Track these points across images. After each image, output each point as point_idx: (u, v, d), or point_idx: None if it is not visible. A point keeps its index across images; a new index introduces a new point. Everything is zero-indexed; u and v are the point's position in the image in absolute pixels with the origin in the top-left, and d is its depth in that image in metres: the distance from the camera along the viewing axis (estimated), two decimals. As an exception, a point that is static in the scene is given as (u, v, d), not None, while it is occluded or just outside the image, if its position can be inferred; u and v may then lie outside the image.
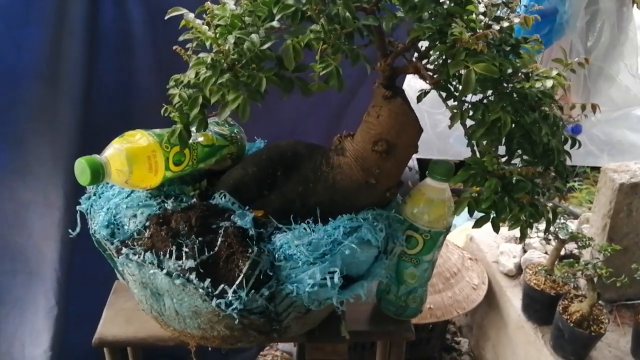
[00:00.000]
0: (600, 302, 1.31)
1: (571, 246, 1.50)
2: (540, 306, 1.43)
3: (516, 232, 0.70)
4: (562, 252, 1.48)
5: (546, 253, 1.64)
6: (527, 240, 1.68)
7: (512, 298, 1.58)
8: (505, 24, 0.61)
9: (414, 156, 2.08)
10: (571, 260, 1.30)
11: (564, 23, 1.16)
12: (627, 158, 1.42)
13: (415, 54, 0.75)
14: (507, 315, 1.61)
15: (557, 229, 1.35)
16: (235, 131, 0.85)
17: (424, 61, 0.72)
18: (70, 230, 0.81)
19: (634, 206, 1.38)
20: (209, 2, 0.64)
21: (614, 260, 1.37)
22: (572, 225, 1.75)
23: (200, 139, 0.79)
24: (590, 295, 1.27)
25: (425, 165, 0.83)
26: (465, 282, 1.61)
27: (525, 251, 1.70)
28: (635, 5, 1.27)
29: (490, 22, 0.64)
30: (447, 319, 1.57)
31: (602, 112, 1.37)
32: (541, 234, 1.39)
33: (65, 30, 1.12)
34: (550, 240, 1.37)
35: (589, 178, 2.45)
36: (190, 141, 0.75)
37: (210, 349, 0.77)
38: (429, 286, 0.90)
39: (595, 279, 1.26)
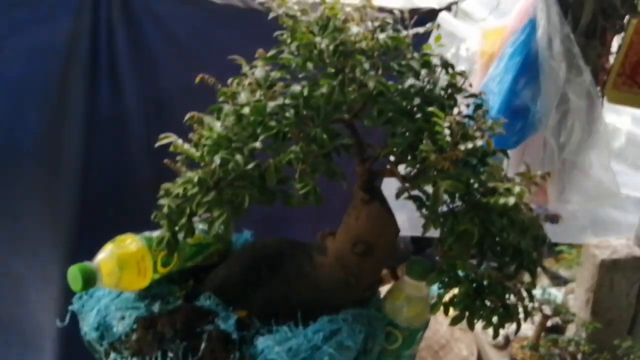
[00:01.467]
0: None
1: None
2: (528, 381, 1.44)
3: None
4: (549, 323, 1.50)
5: (533, 323, 1.66)
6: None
7: (501, 370, 1.59)
8: (470, 145, 0.66)
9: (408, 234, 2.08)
10: (555, 336, 1.32)
11: (536, 122, 1.23)
12: (610, 235, 1.46)
13: (392, 158, 0.80)
14: (496, 388, 1.61)
15: (541, 304, 1.38)
16: (222, 227, 0.89)
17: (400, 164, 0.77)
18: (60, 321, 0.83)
19: (616, 281, 1.41)
20: (196, 125, 0.69)
21: (598, 334, 1.39)
22: (559, 293, 1.78)
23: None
24: (575, 372, 1.29)
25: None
26: (454, 354, 1.61)
27: (513, 321, 1.71)
28: (604, 98, 1.34)
29: (457, 140, 0.69)
30: (436, 392, 1.56)
31: (577, 202, 1.41)
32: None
33: (65, 114, 1.18)
34: (534, 315, 1.40)
35: (577, 239, 2.48)
36: (178, 242, 0.78)
37: None
38: (418, 359, 0.91)
39: (579, 356, 1.28)
